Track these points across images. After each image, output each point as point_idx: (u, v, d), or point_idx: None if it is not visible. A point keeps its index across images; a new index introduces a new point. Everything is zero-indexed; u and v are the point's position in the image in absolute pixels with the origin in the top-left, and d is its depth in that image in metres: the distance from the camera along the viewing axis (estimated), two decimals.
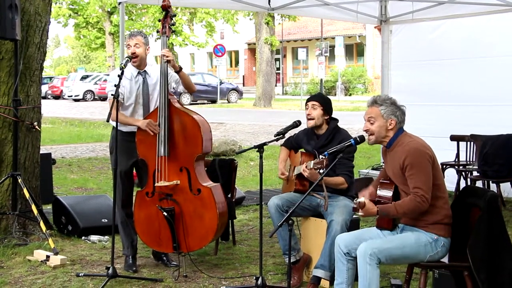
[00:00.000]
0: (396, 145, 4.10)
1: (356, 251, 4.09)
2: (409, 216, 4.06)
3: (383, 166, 9.21)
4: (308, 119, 5.19)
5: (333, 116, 5.27)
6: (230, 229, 6.29)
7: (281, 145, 5.59)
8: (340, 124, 5.28)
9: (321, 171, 4.34)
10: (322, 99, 5.22)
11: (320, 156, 4.40)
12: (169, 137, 5.30)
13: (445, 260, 4.11)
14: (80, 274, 5.27)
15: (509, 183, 7.44)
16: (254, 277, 4.84)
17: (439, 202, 4.02)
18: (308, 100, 5.25)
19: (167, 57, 5.25)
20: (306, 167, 4.84)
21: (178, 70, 5.36)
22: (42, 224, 5.98)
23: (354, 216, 5.03)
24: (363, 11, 9.00)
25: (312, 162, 4.62)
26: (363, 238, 4.15)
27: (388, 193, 4.14)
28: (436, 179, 4.00)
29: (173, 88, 5.52)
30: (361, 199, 3.95)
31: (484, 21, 8.07)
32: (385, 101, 4.13)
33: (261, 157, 4.78)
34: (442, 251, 4.03)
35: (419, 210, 3.96)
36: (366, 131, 4.16)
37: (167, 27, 5.42)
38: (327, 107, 5.18)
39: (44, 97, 37.80)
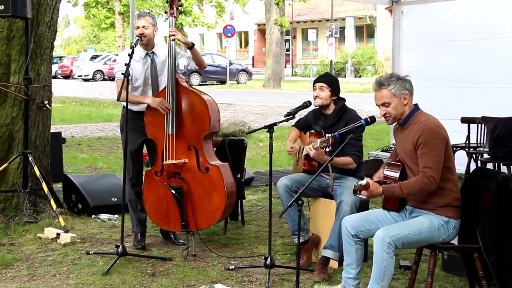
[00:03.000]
0: (411, 122, 4.05)
1: (364, 233, 4.11)
2: (415, 197, 4.04)
3: (392, 148, 9.18)
4: (316, 99, 5.18)
5: (341, 96, 5.26)
6: (239, 209, 6.31)
7: (292, 126, 5.59)
8: (349, 106, 5.26)
9: (327, 149, 4.34)
10: (329, 80, 5.19)
11: (327, 135, 4.39)
12: (177, 116, 5.32)
13: (455, 242, 4.10)
14: (90, 252, 5.32)
15: None
16: (263, 257, 4.87)
17: (449, 184, 3.99)
18: (315, 82, 5.23)
19: (174, 35, 5.28)
20: (312, 147, 4.83)
21: (191, 46, 5.36)
22: (52, 202, 6.02)
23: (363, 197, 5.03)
24: None
25: (319, 140, 4.61)
26: (370, 219, 4.16)
27: (395, 174, 4.12)
28: (448, 162, 3.97)
29: (185, 66, 5.53)
30: (363, 181, 3.93)
31: (496, 2, 7.98)
32: (391, 80, 4.07)
33: (271, 138, 4.78)
34: (453, 233, 4.03)
35: (425, 191, 3.93)
36: (384, 115, 4.09)
37: (175, 8, 5.45)
38: (334, 88, 5.17)
39: (54, 77, 37.68)
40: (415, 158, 3.98)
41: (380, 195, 3.99)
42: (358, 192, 3.92)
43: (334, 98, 5.18)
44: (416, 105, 4.12)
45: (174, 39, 5.34)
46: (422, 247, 4.17)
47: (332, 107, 5.19)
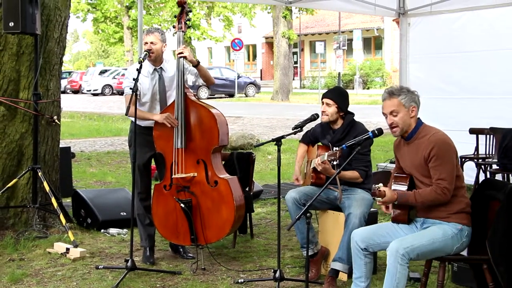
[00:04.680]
0: (418, 137, 4.08)
1: (374, 246, 4.09)
2: (427, 206, 4.03)
3: None
4: (322, 115, 5.19)
5: (350, 110, 5.24)
6: (248, 222, 6.31)
7: (299, 141, 5.59)
8: (357, 118, 5.26)
9: (335, 163, 4.34)
10: (336, 96, 5.16)
11: (334, 148, 4.39)
12: (186, 130, 5.34)
13: (464, 253, 4.09)
14: (99, 267, 5.33)
15: None
16: (272, 270, 4.86)
17: (461, 191, 4.03)
18: (323, 96, 5.22)
19: (183, 54, 5.31)
20: (319, 160, 4.83)
21: (196, 64, 5.39)
22: (62, 217, 6.04)
23: (372, 209, 5.02)
24: (381, 3, 8.95)
25: (326, 154, 4.61)
26: (380, 233, 4.14)
27: (403, 187, 4.12)
28: (457, 171, 4.01)
29: (193, 82, 5.55)
30: (380, 184, 3.94)
31: (503, 12, 7.97)
32: (402, 91, 4.12)
33: (279, 151, 4.80)
34: (466, 241, 4.03)
35: (438, 201, 3.95)
36: (391, 124, 4.11)
37: (183, 22, 5.48)
38: (341, 104, 5.14)
39: (63, 92, 38.02)
40: (426, 171, 3.99)
41: (395, 201, 3.99)
42: (376, 195, 3.92)
43: (341, 114, 5.17)
44: (419, 118, 4.13)
45: (182, 57, 5.37)
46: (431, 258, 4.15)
47: (340, 122, 5.18)
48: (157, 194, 5.50)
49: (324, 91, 5.38)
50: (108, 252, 5.88)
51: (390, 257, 3.87)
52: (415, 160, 4.07)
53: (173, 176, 5.36)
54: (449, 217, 4.00)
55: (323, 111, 5.16)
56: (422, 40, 9.04)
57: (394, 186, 4.15)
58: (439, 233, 3.96)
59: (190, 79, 5.54)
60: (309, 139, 5.50)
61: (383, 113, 4.15)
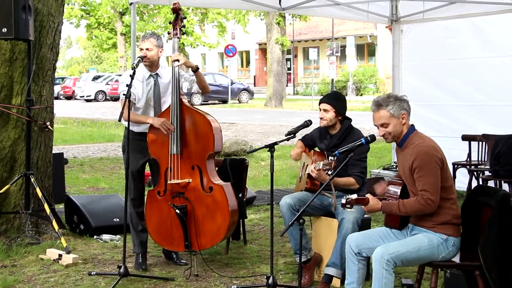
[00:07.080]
0: (407, 145, 4.10)
1: (367, 250, 4.10)
2: (413, 216, 4.07)
3: (394, 166, 9.16)
4: (321, 121, 5.19)
5: (347, 115, 5.25)
6: (241, 228, 6.31)
7: (299, 139, 5.58)
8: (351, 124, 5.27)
9: (330, 172, 4.34)
10: (333, 101, 5.17)
11: (330, 158, 4.39)
12: (181, 136, 5.34)
13: (457, 259, 4.10)
14: (92, 273, 5.31)
15: None
16: (265, 277, 4.86)
17: (447, 203, 4.02)
18: (320, 102, 5.23)
19: (178, 61, 5.32)
20: (314, 168, 4.84)
21: (195, 70, 5.40)
22: (54, 223, 6.02)
23: (365, 215, 5.03)
24: (374, 10, 8.98)
25: (322, 163, 4.62)
26: (373, 237, 4.17)
27: (396, 189, 4.16)
28: (445, 182, 4.01)
29: (188, 89, 5.55)
30: (353, 195, 3.95)
31: (496, 20, 8.02)
32: (389, 101, 4.11)
33: (272, 157, 4.80)
34: (453, 251, 4.04)
35: (423, 212, 3.98)
36: (383, 135, 4.14)
37: (178, 29, 5.48)
38: (339, 108, 5.16)
39: (57, 98, 37.91)
40: (413, 180, 4.03)
41: (379, 210, 4.02)
42: (348, 206, 3.92)
43: (339, 118, 5.19)
44: (412, 125, 4.15)
45: (178, 65, 5.36)
46: (423, 265, 4.17)
47: (338, 127, 5.19)
48: (150, 200, 5.49)
49: (318, 97, 5.39)
50: (100, 258, 5.87)
51: (375, 263, 3.91)
52: (404, 168, 4.10)
53: (168, 182, 5.35)
54: (435, 227, 4.02)
55: (321, 118, 5.17)
56: (414, 47, 9.09)
57: (388, 187, 4.21)
58: (425, 241, 3.99)
59: (185, 86, 5.54)
60: (307, 143, 5.49)
61: (374, 124, 4.16)
